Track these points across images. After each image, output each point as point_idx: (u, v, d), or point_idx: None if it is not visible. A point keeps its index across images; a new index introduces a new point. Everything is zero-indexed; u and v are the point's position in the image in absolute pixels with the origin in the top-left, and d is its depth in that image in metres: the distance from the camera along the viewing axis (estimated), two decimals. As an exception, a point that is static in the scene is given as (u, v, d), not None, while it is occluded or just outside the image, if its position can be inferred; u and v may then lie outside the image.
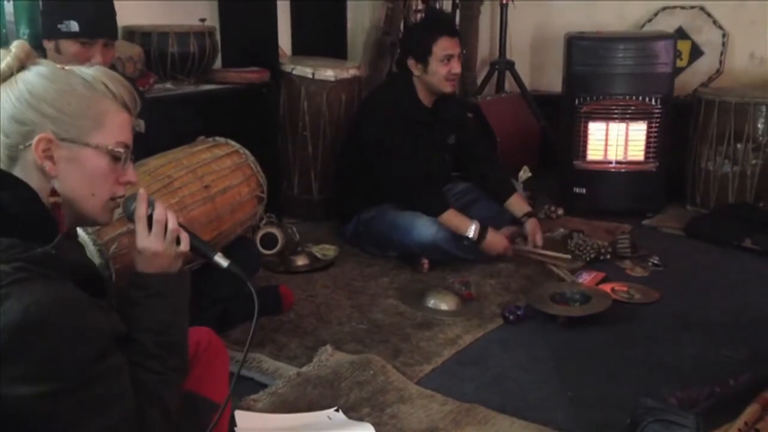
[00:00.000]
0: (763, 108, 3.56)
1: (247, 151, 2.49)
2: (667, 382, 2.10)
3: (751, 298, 2.79)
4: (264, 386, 2.14)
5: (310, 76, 3.48)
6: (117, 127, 1.27)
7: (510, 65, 4.62)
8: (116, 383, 1.20)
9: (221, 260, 1.41)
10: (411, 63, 3.09)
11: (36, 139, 1.20)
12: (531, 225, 3.14)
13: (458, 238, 2.95)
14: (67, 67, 1.28)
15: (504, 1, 4.60)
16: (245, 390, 2.09)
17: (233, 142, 2.50)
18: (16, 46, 1.24)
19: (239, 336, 2.39)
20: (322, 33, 4.00)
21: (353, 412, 2.00)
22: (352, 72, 3.58)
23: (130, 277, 1.38)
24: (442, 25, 3.14)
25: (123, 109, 1.29)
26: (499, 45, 4.66)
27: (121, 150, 1.27)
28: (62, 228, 1.26)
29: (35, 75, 1.23)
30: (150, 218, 1.35)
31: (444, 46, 3.04)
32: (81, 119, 1.23)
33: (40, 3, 2.32)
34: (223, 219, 2.34)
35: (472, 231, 2.92)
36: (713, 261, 3.21)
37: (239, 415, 1.92)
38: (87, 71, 1.28)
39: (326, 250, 3.10)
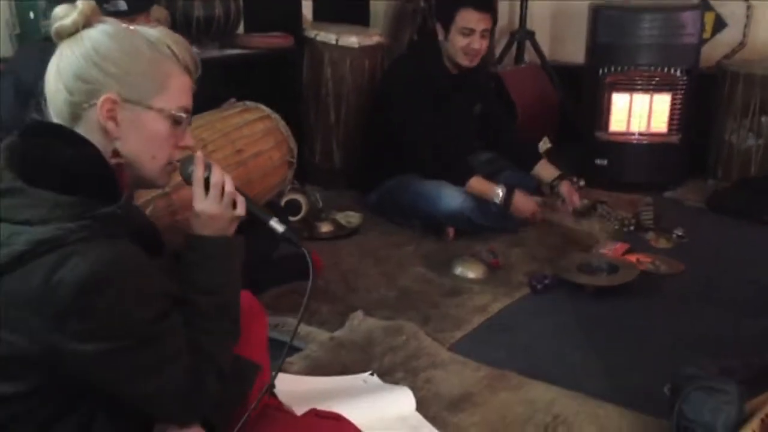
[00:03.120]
0: (790, 80, 3.54)
1: (277, 116, 2.47)
2: (696, 352, 2.12)
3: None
4: (297, 350, 2.15)
5: (334, 42, 3.45)
6: (179, 91, 1.26)
7: (530, 35, 4.58)
8: (174, 343, 1.21)
9: (277, 225, 1.39)
10: (438, 26, 3.07)
11: (102, 99, 1.19)
12: (565, 187, 3.11)
13: (484, 207, 2.94)
14: (131, 27, 1.27)
15: (525, -29, 4.54)
16: (278, 353, 2.09)
17: (264, 107, 2.48)
18: (83, 3, 1.23)
19: (269, 300, 2.39)
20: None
21: (387, 376, 2.02)
22: (376, 39, 3.55)
23: (186, 239, 1.36)
24: None
25: (185, 72, 1.28)
26: (520, 15, 4.61)
27: (183, 114, 1.27)
28: (126, 188, 1.26)
29: (101, 33, 1.22)
30: (207, 181, 1.34)
31: (466, 18, 3.00)
32: (145, 81, 1.23)
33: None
34: (255, 184, 2.34)
35: (499, 195, 2.92)
36: (736, 234, 3.20)
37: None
38: (152, 32, 1.27)
39: (350, 218, 3.10)
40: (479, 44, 3.03)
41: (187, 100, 1.28)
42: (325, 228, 3.02)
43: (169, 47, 1.25)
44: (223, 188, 1.34)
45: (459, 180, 2.95)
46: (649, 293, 2.58)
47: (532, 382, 2.00)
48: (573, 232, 3.11)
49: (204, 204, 1.33)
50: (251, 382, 1.52)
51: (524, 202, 2.97)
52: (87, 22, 1.22)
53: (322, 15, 3.94)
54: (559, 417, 1.84)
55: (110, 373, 1.15)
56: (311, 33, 3.48)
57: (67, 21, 1.22)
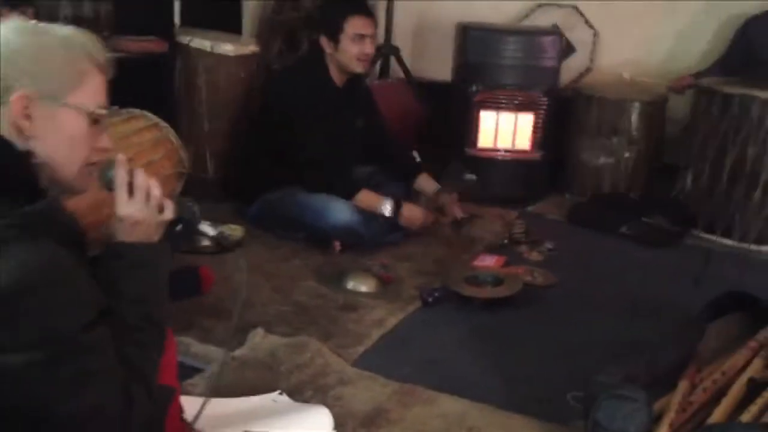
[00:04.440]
0: (637, 104, 3.85)
1: (166, 125, 2.36)
2: (588, 359, 2.21)
3: (639, 281, 2.93)
4: (196, 370, 2.06)
5: (209, 49, 3.34)
6: (95, 89, 1.23)
7: (395, 51, 4.66)
8: (105, 356, 1.15)
9: (208, 229, 1.41)
10: (323, 40, 3.06)
11: (15, 96, 1.14)
12: (446, 199, 3.22)
13: (371, 220, 2.95)
14: (41, 24, 1.24)
15: (390, -13, 4.62)
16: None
17: (151, 115, 2.36)
18: None
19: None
20: (214, 4, 3.83)
21: (297, 395, 1.97)
22: (252, 48, 3.48)
23: (109, 246, 1.29)
24: (355, 3, 3.11)
25: (100, 71, 1.25)
26: (386, 30, 4.67)
27: (102, 111, 1.23)
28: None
29: (11, 30, 1.19)
30: (130, 185, 1.28)
31: (355, 25, 3.03)
32: (61, 77, 1.19)
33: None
34: (146, 195, 2.21)
35: (387, 208, 2.95)
36: (597, 246, 3.40)
37: (183, 400, 1.82)
38: (64, 30, 1.24)
39: (232, 230, 2.99)
40: (370, 48, 3.09)
41: (103, 99, 1.24)
42: (207, 241, 2.89)
43: (82, 45, 1.22)
44: (148, 191, 1.29)
45: (346, 194, 2.95)
46: (532, 304, 2.68)
47: (440, 395, 2.03)
48: (454, 246, 3.18)
49: (129, 208, 1.28)
50: (167, 407, 1.45)
51: (414, 213, 3.04)
52: None
53: (190, 19, 3.80)
54: (473, 430, 1.88)
55: (39, 387, 1.06)
56: (184, 39, 3.35)
57: None
